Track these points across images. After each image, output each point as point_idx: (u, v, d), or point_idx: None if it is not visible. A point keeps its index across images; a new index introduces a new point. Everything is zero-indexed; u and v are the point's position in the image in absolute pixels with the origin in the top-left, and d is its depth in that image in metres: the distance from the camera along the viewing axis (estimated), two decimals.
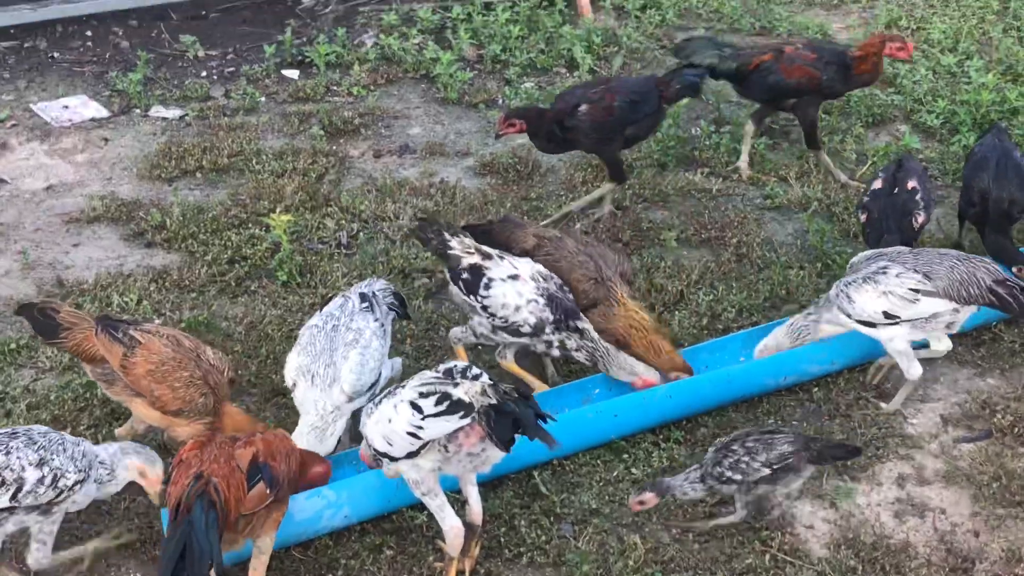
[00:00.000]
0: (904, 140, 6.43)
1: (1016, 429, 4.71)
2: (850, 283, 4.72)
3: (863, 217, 5.22)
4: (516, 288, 4.68)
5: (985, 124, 6.38)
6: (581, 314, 4.75)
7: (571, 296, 4.77)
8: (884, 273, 4.68)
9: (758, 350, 4.89)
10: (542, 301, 4.67)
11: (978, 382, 5.00)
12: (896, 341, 4.71)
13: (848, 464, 4.51)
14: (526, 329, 4.68)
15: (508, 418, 3.78)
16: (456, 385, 3.87)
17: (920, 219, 5.24)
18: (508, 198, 6.18)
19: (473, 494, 4.09)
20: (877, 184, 5.31)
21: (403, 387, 3.98)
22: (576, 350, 4.72)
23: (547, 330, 4.68)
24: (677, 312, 5.37)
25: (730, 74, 6.24)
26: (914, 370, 4.75)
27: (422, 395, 3.86)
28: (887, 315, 4.65)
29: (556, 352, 4.75)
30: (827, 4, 8.26)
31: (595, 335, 4.73)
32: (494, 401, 3.79)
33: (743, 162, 6.35)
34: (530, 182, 6.38)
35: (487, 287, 4.70)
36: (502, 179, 6.39)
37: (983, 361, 5.10)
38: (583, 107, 5.70)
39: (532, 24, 7.83)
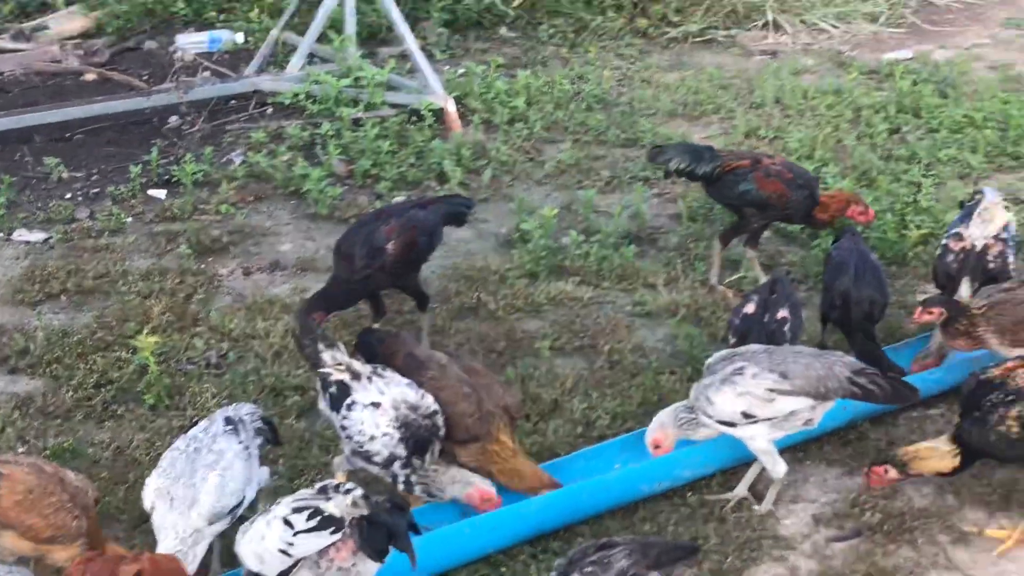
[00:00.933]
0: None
1: (886, 527, 4.79)
2: (708, 385, 4.78)
3: (733, 341, 5.22)
4: (375, 417, 4.63)
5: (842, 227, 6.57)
6: (433, 449, 4.68)
7: (440, 428, 4.71)
8: (741, 374, 4.75)
9: (649, 442, 4.87)
10: (397, 436, 4.61)
11: (847, 481, 5.08)
12: (757, 440, 4.78)
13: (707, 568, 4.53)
14: (378, 459, 4.64)
15: (381, 528, 3.77)
16: (328, 499, 3.86)
17: None
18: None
19: None
20: (749, 308, 5.33)
21: (279, 504, 3.95)
22: (417, 484, 4.69)
23: (396, 465, 4.64)
24: (552, 421, 5.39)
25: (706, 176, 6.31)
26: (779, 468, 4.82)
27: (295, 511, 3.84)
28: (746, 415, 4.72)
29: (401, 486, 4.70)
30: (689, 115, 8.47)
31: (430, 471, 4.69)
32: (366, 512, 3.77)
33: (713, 278, 6.42)
34: (403, 295, 6.38)
35: (349, 408, 4.67)
36: None
37: (851, 459, 5.18)
38: (389, 247, 5.62)
39: (402, 139, 7.90)
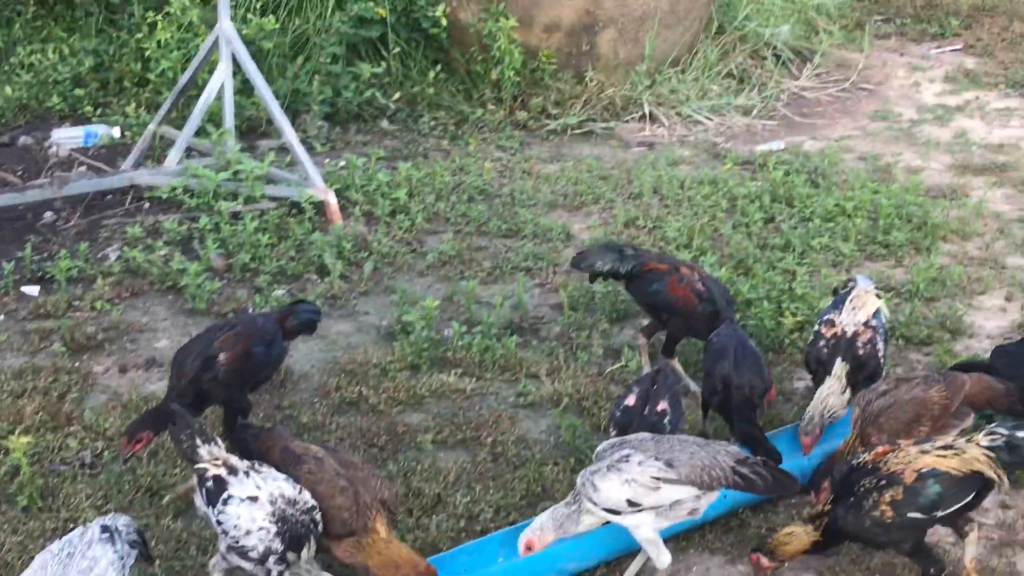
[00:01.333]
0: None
1: None
2: (595, 472, 4.79)
3: (613, 433, 5.23)
4: (251, 511, 4.56)
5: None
6: (309, 544, 4.62)
7: (318, 523, 4.65)
8: (627, 461, 4.77)
9: (522, 543, 4.84)
10: (273, 530, 4.55)
11: (729, 569, 5.10)
12: (642, 529, 4.79)
13: None
14: (253, 555, 4.57)
15: None
16: None
17: None
18: (260, 407, 6.09)
19: None
20: (630, 401, 5.34)
21: None
22: None
23: (271, 561, 4.56)
24: (434, 516, 5.34)
25: (626, 274, 6.36)
26: (663, 558, 4.83)
27: None
28: (631, 503, 4.73)
29: None
30: (569, 206, 8.56)
31: (306, 565, 4.63)
32: None
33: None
34: (283, 390, 6.32)
35: (225, 503, 4.60)
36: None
37: (732, 548, 5.21)
38: (221, 357, 5.49)
39: (282, 232, 7.86)
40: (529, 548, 4.80)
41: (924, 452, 4.79)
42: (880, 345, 5.86)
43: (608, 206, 8.55)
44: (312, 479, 4.77)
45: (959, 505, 4.75)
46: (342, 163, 8.96)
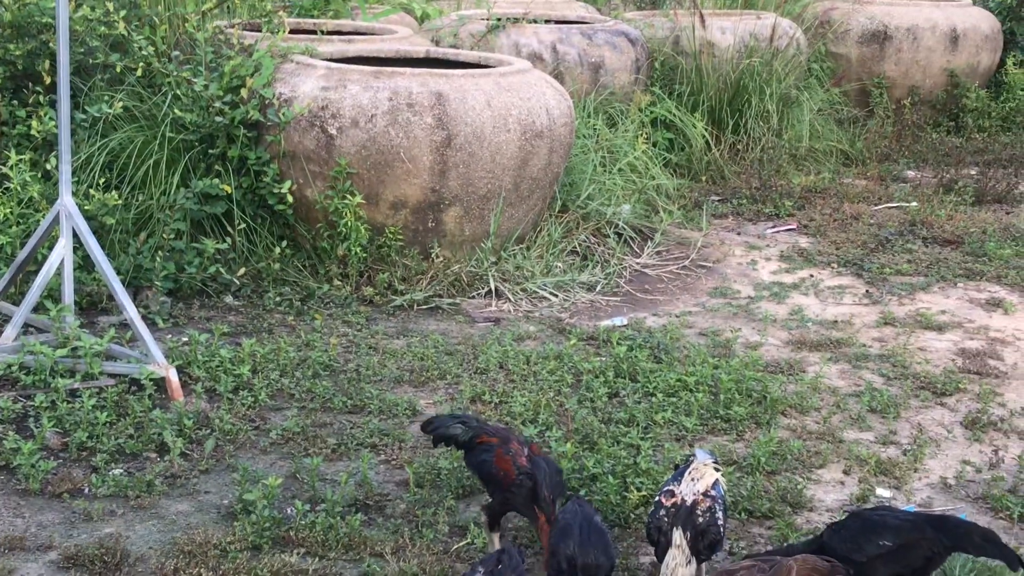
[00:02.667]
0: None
1: None
2: None
3: None
4: None
5: (567, 491, 6.66)
6: None
7: None
8: None
9: None
10: None
11: None
12: None
13: None
14: None
15: None
16: None
17: None
18: None
19: None
20: None
21: None
22: None
23: None
24: None
25: (463, 443, 6.52)
26: None
27: None
28: None
29: None
30: (415, 382, 8.55)
31: None
32: None
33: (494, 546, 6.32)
34: (119, 573, 6.10)
35: None
36: (88, 571, 6.08)
37: None
38: None
39: (121, 409, 7.68)
40: None
41: None
42: (720, 514, 5.92)
43: (454, 381, 8.56)
44: None
45: None
46: (184, 339, 8.84)
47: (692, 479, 6.04)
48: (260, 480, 6.82)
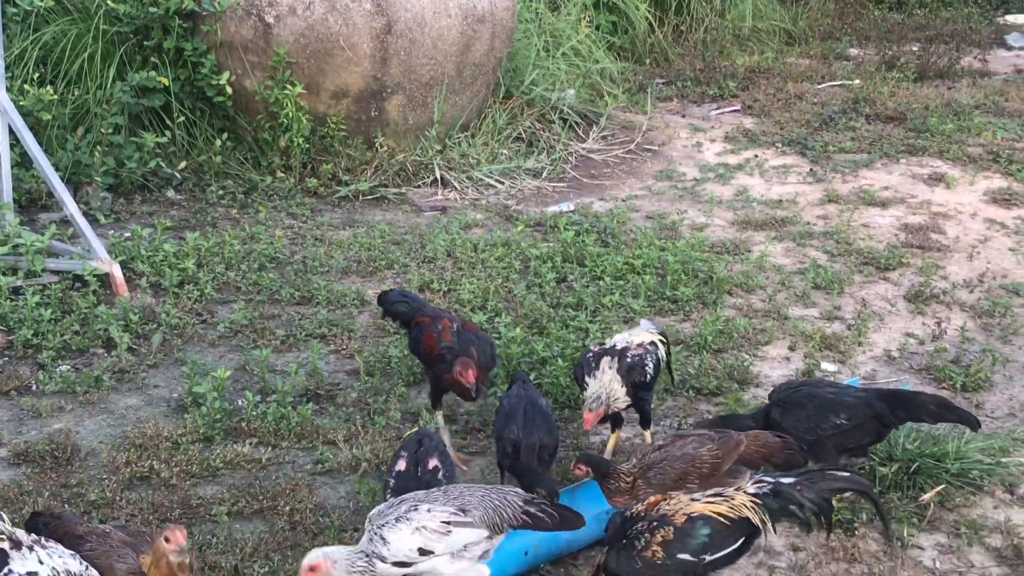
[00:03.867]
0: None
1: None
2: (383, 525, 4.73)
3: (390, 499, 5.18)
4: None
5: (499, 363, 6.72)
6: None
7: None
8: (415, 511, 4.74)
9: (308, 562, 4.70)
10: None
11: None
12: (440, 571, 4.76)
13: None
14: None
15: None
16: None
17: None
18: (46, 486, 5.86)
19: None
20: (401, 466, 5.32)
21: None
22: None
23: None
24: None
25: (405, 322, 6.60)
26: None
27: None
28: (422, 551, 4.69)
29: None
30: (363, 272, 8.53)
31: None
32: None
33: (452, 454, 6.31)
34: (69, 468, 6.09)
35: None
36: (39, 467, 6.07)
37: None
38: None
39: (65, 306, 7.62)
40: (312, 570, 4.69)
41: (694, 500, 4.92)
42: (649, 363, 6.09)
43: (402, 271, 8.54)
44: (93, 554, 4.66)
45: (728, 551, 4.86)
46: (127, 234, 8.75)
47: (629, 335, 6.25)
48: (209, 373, 6.81)
